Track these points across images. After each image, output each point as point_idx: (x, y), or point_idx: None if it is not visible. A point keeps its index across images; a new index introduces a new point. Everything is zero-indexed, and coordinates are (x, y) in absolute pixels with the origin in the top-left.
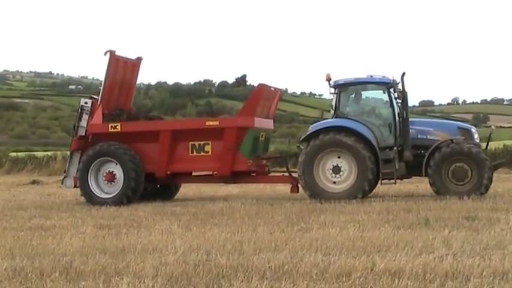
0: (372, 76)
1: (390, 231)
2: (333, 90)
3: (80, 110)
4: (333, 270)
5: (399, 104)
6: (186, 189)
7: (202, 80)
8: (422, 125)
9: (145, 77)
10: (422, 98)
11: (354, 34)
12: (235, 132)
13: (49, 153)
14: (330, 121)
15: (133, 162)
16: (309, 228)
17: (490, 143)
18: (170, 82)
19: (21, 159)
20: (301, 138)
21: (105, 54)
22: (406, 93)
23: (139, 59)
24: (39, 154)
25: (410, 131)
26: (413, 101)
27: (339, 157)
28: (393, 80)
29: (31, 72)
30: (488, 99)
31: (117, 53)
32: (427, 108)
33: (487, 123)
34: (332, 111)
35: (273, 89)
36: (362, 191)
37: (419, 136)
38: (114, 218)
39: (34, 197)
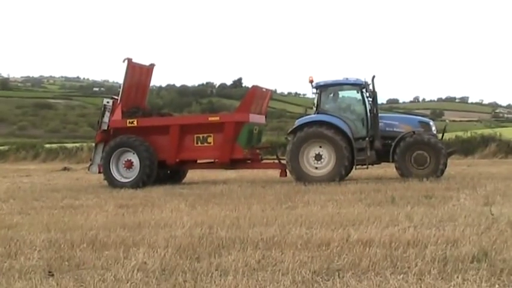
0: (347, 78)
1: (362, 208)
2: (315, 90)
3: (102, 108)
4: (315, 240)
5: (370, 102)
6: (191, 174)
7: (205, 83)
8: (390, 119)
9: (158, 79)
10: (389, 96)
11: (332, 41)
12: (233, 126)
13: (77, 144)
14: (313, 116)
15: (147, 151)
16: (295, 206)
17: (444, 134)
18: (178, 84)
19: (54, 150)
20: (289, 131)
21: (124, 61)
22: (376, 92)
23: (152, 65)
24: (69, 145)
25: (380, 124)
26: (381, 99)
27: (320, 146)
28: (365, 82)
29: (62, 77)
30: (443, 97)
31: (133, 60)
32: (393, 105)
33: (442, 118)
34: (314, 108)
35: (264, 89)
36: (339, 175)
37: (387, 129)
38: (131, 199)
39: (65, 181)
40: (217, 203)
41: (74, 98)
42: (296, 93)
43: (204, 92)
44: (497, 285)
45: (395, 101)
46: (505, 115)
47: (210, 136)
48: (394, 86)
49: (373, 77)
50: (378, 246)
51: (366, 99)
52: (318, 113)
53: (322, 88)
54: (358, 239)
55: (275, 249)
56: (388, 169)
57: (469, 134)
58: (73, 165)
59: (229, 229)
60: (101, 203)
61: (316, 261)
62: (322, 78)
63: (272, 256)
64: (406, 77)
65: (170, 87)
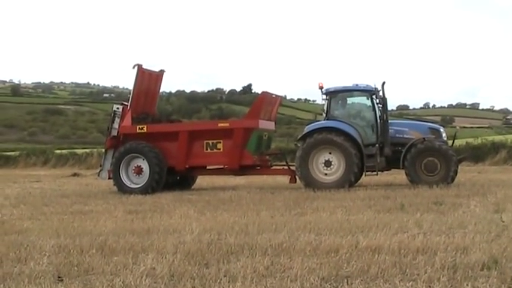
0: (357, 85)
1: (372, 215)
2: (324, 96)
3: (112, 114)
4: (324, 247)
5: (380, 108)
6: (200, 181)
7: (214, 89)
8: (400, 126)
9: (168, 85)
10: (399, 102)
11: (342, 47)
12: (243, 132)
13: (87, 150)
14: (323, 123)
15: (157, 158)
16: (304, 213)
17: (455, 141)
18: (187, 90)
19: (64, 156)
20: (298, 137)
21: (134, 67)
22: (386, 99)
23: (162, 72)
24: (79, 151)
25: (390, 130)
26: (391, 105)
27: (330, 153)
28: (375, 88)
29: (72, 83)
30: (454, 104)
31: (143, 67)
32: (403, 111)
33: (453, 124)
34: (324, 114)
35: (274, 96)
36: (349, 181)
37: (397, 135)
38: (141, 204)
39: (75, 187)
40: (226, 209)
41: (84, 104)
42: (306, 99)
43: (213, 98)
44: None
45: (406, 107)
46: None
47: (220, 142)
48: (405, 92)
49: (383, 83)
50: (386, 253)
51: (375, 105)
52: (327, 119)
53: (332, 94)
54: (367, 245)
55: (284, 255)
56: (398, 176)
57: (479, 141)
58: (83, 171)
59: (238, 235)
60: (110, 208)
61: (324, 267)
62: (332, 84)
63: (281, 263)
64: (416, 84)
65: (180, 93)
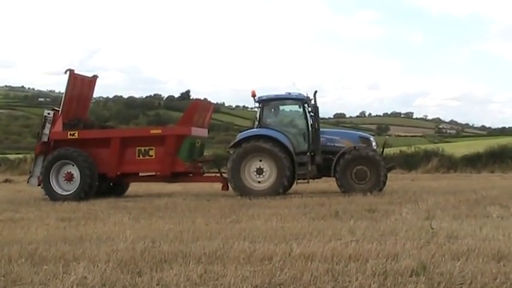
0: (289, 93)
1: (306, 222)
2: (257, 104)
3: (43, 120)
4: (257, 255)
5: (312, 117)
6: (136, 187)
7: (152, 95)
8: (331, 135)
9: (105, 91)
10: (336, 111)
11: (279, 55)
12: (175, 139)
13: (20, 156)
14: (254, 131)
15: (87, 163)
16: (239, 220)
17: (389, 149)
18: (125, 96)
19: None
20: (230, 145)
21: (66, 72)
22: (317, 107)
23: (95, 77)
24: (12, 157)
25: (321, 139)
26: (328, 113)
27: (260, 160)
28: (307, 97)
29: (6, 86)
30: (389, 112)
31: (75, 72)
32: (339, 119)
33: (388, 133)
34: (256, 122)
35: (207, 102)
36: (282, 186)
37: (328, 144)
38: (74, 212)
39: (6, 194)
40: (161, 216)
41: (18, 108)
42: (244, 106)
43: (151, 104)
44: None
45: (343, 115)
46: (448, 131)
47: (152, 149)
48: (341, 101)
49: (315, 92)
50: (319, 260)
51: (307, 114)
52: (260, 127)
53: (264, 102)
54: (300, 253)
55: (217, 263)
56: (333, 183)
57: (413, 149)
58: (15, 177)
59: (172, 243)
60: (42, 216)
61: (258, 275)
62: (265, 92)
63: (214, 271)
64: (352, 93)
65: (117, 99)
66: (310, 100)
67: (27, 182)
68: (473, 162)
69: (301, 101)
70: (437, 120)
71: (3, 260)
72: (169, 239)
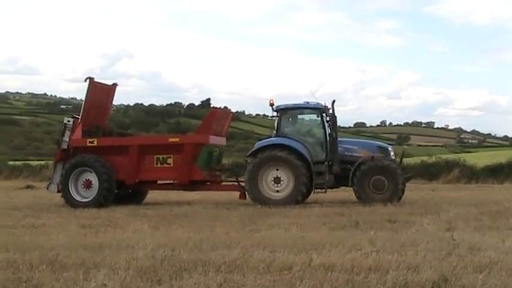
0: (307, 102)
1: (326, 232)
2: (275, 113)
3: (63, 127)
4: (277, 264)
5: (330, 126)
6: (156, 195)
7: (173, 102)
8: (349, 144)
9: (126, 98)
10: (357, 120)
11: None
12: (193, 147)
13: (42, 162)
14: (271, 140)
15: (106, 171)
16: (259, 229)
17: (410, 158)
18: (146, 103)
19: (18, 167)
20: (248, 154)
21: (86, 80)
22: (335, 117)
23: (114, 85)
24: (34, 163)
25: (339, 148)
26: (348, 122)
27: (277, 169)
28: (325, 106)
29: (28, 93)
30: (410, 122)
31: (95, 80)
32: (360, 129)
33: (409, 142)
34: (274, 131)
35: (225, 111)
36: (301, 193)
37: (346, 153)
38: (94, 219)
39: (28, 200)
40: (181, 224)
41: (40, 115)
42: (264, 114)
43: (172, 112)
44: None
45: (363, 124)
46: (469, 140)
47: (170, 157)
48: (362, 110)
49: (333, 101)
50: (339, 271)
51: (325, 123)
52: (277, 136)
53: (282, 111)
54: (320, 263)
55: (237, 272)
56: (352, 193)
57: (433, 159)
58: (37, 183)
59: (192, 251)
60: (63, 222)
61: (277, 285)
62: (285, 101)
63: (234, 280)
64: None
65: (138, 106)
66: (328, 109)
67: (47, 188)
68: (495, 172)
69: (319, 110)
70: (459, 130)
71: (25, 266)
72: (189, 247)
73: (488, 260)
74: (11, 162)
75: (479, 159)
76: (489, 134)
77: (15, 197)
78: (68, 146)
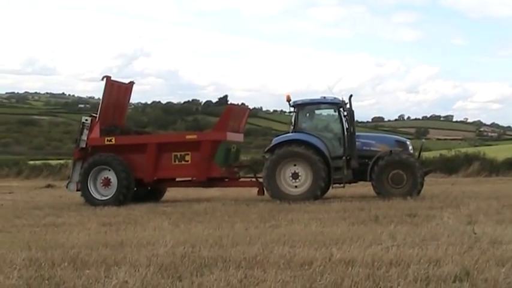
0: (324, 97)
1: (346, 227)
2: (292, 109)
3: (81, 126)
4: (297, 260)
5: (347, 121)
6: (175, 192)
7: (190, 100)
8: (367, 139)
9: (143, 96)
10: (375, 114)
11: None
12: (210, 144)
13: (61, 161)
14: (288, 135)
15: (124, 168)
16: (279, 225)
17: (429, 152)
18: (163, 101)
19: (38, 167)
20: (265, 150)
21: (102, 79)
22: (353, 111)
23: (131, 83)
24: (53, 162)
25: (357, 143)
26: (366, 117)
27: (295, 165)
28: (342, 101)
29: (47, 93)
30: (428, 116)
31: (112, 78)
32: (378, 123)
33: (427, 136)
34: (291, 127)
35: (241, 107)
36: (320, 188)
37: (364, 148)
38: (114, 217)
39: (48, 199)
40: (201, 221)
41: (59, 115)
42: (282, 110)
43: (189, 109)
44: None
45: (381, 119)
46: (489, 134)
47: (188, 154)
48: (380, 105)
49: (350, 96)
50: (360, 265)
51: (343, 118)
52: (294, 132)
53: (299, 107)
54: (340, 258)
55: (257, 268)
56: (372, 187)
57: (453, 153)
58: (57, 183)
59: (212, 248)
60: (83, 220)
61: (298, 280)
62: (302, 96)
63: (254, 275)
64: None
65: (155, 104)
66: (346, 104)
67: (66, 187)
68: None
69: (337, 105)
70: (478, 123)
71: (47, 264)
72: (209, 244)
73: (511, 253)
74: (31, 162)
75: (499, 152)
76: (509, 127)
77: (36, 196)
78: (86, 145)
